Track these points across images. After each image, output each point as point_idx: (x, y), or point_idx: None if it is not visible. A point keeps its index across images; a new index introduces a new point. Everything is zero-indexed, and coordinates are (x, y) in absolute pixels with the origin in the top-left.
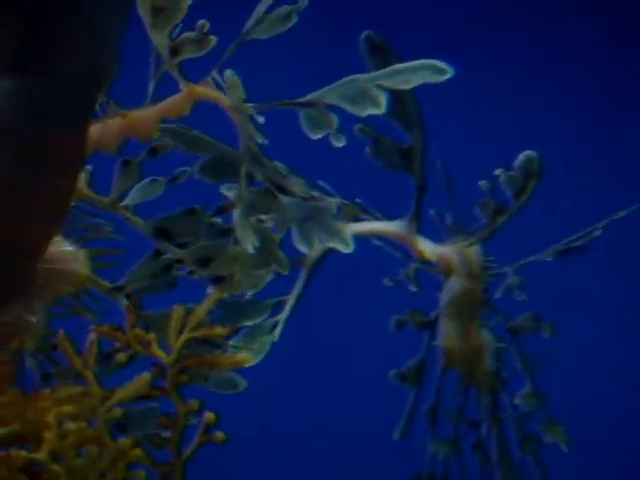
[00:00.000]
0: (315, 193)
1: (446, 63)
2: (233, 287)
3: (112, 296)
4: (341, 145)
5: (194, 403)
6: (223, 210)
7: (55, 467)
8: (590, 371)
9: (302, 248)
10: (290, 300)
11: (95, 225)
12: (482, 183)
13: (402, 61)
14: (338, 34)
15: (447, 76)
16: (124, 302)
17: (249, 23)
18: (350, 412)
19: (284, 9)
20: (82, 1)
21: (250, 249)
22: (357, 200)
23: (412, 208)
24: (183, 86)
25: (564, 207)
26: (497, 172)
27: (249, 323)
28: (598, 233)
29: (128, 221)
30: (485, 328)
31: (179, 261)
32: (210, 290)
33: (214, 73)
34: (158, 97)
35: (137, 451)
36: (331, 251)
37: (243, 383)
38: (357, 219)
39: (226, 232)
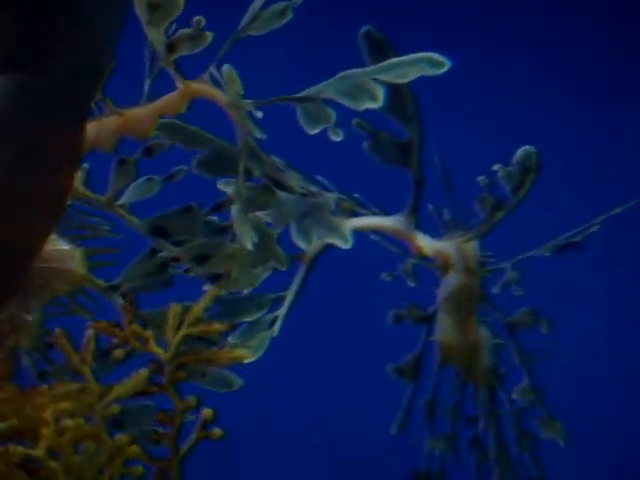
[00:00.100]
0: (313, 188)
1: (443, 56)
2: (230, 284)
3: (108, 295)
4: (339, 139)
5: (191, 399)
6: (220, 207)
7: (52, 463)
8: (588, 366)
9: (301, 244)
10: (289, 296)
11: (91, 224)
12: (480, 178)
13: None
14: (334, 30)
15: (444, 69)
16: (120, 301)
17: (244, 20)
18: (348, 407)
19: (279, 5)
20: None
21: (249, 245)
22: (355, 195)
23: (410, 203)
24: (179, 83)
25: (562, 203)
26: (495, 167)
27: (248, 319)
28: (596, 228)
29: (124, 220)
30: (483, 324)
31: (175, 259)
32: (207, 287)
33: (211, 70)
34: (154, 95)
35: (134, 447)
36: (329, 246)
37: (239, 381)
38: (355, 214)
39: (223, 230)
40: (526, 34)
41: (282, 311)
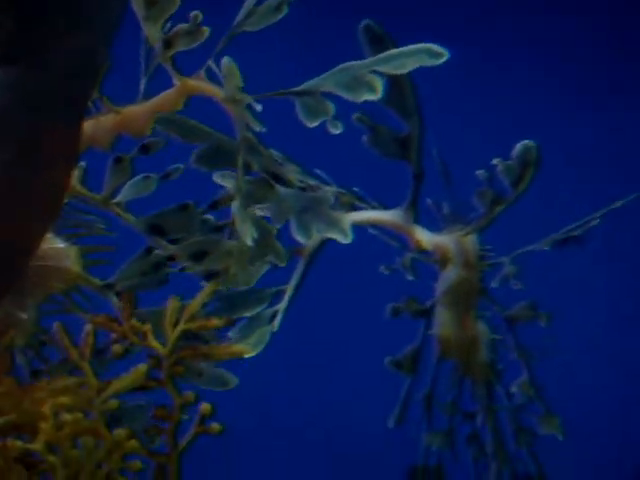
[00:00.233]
0: (311, 181)
1: (441, 46)
2: (227, 281)
3: (103, 293)
4: (338, 132)
5: (190, 394)
6: (218, 204)
7: (51, 458)
8: (587, 361)
9: (301, 239)
10: (288, 290)
11: (87, 222)
12: (480, 172)
13: None
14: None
15: (443, 59)
16: (115, 299)
17: (240, 16)
18: (347, 401)
19: (275, 0)
20: None
21: (249, 241)
22: (354, 189)
23: (409, 197)
24: (176, 80)
25: (562, 203)
26: (495, 161)
27: (247, 314)
28: (596, 223)
29: (120, 218)
30: (481, 319)
31: (170, 258)
32: (205, 284)
33: (207, 65)
34: (151, 93)
35: (133, 442)
36: (328, 241)
37: (234, 380)
38: (353, 208)
39: (220, 228)
40: (526, 34)
41: (282, 306)
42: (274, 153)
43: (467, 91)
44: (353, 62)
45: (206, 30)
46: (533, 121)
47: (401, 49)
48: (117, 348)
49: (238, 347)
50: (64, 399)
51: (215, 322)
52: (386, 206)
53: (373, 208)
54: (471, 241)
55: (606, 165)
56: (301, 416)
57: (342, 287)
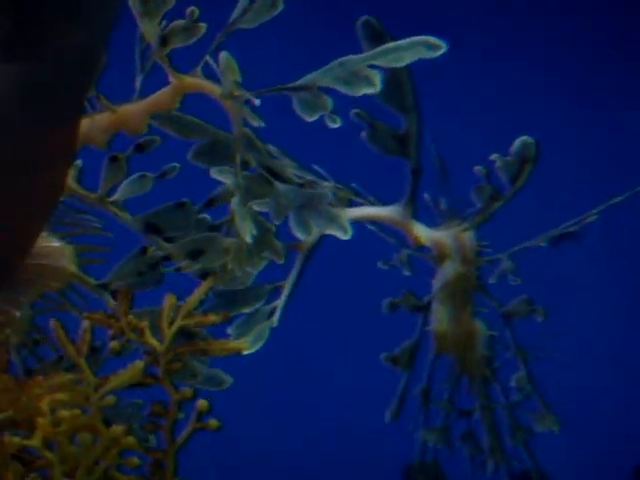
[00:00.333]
0: (309, 176)
1: (438, 34)
2: (224, 280)
3: (98, 293)
4: (336, 126)
5: (188, 391)
6: (214, 201)
7: (48, 454)
8: (585, 359)
9: (300, 235)
10: (286, 286)
11: (83, 221)
12: (478, 168)
13: None
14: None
15: (440, 51)
16: (109, 299)
17: (235, 13)
18: (345, 398)
19: None
20: None
21: (248, 239)
22: (352, 184)
23: (407, 193)
24: (172, 78)
25: (562, 202)
26: (493, 157)
27: (246, 311)
28: (592, 219)
29: (117, 217)
30: (478, 316)
31: (166, 258)
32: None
33: (203, 63)
34: (147, 91)
35: (130, 438)
36: (326, 236)
37: (229, 380)
38: (351, 203)
39: (216, 227)
40: (526, 34)
41: (280, 301)
42: (271, 148)
43: (467, 91)
44: (350, 56)
45: (203, 26)
46: (533, 121)
47: (398, 42)
48: (115, 345)
49: (236, 343)
50: (61, 395)
51: (212, 318)
52: (384, 202)
53: (371, 204)
54: (469, 237)
55: (606, 165)
56: (299, 412)
57: (339, 283)
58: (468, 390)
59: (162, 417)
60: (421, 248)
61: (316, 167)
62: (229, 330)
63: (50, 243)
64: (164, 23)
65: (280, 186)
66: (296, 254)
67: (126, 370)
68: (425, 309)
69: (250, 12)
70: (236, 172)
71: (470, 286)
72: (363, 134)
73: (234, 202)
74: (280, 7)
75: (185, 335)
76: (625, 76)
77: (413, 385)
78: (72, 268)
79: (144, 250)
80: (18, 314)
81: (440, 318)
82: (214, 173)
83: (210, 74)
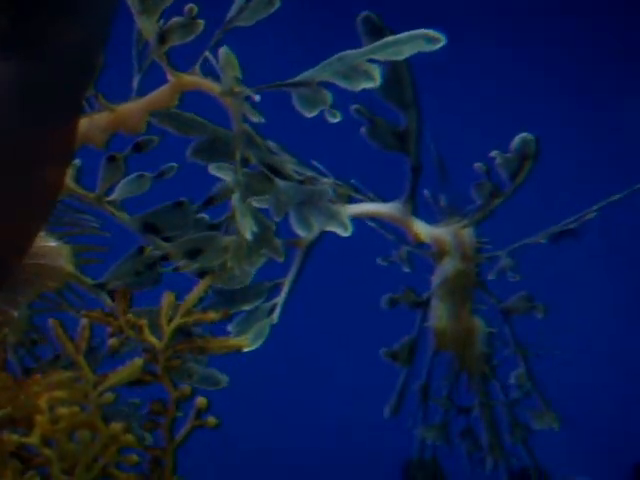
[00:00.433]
0: (308, 172)
1: (438, 31)
2: (222, 278)
3: (95, 293)
4: (336, 121)
5: (187, 388)
6: (213, 200)
7: (47, 451)
8: (584, 356)
9: (300, 232)
10: (286, 283)
11: (80, 221)
12: (478, 165)
13: None
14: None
15: (440, 45)
16: (106, 299)
17: (232, 11)
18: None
19: None
20: None
21: (248, 236)
22: (351, 181)
23: (407, 189)
24: (171, 76)
25: (561, 202)
26: (493, 154)
27: (246, 308)
28: (592, 216)
29: (114, 217)
30: (477, 313)
31: (163, 258)
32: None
33: (201, 60)
34: (145, 90)
35: (129, 436)
36: (325, 232)
37: (225, 379)
38: (351, 200)
39: (214, 226)
40: (526, 34)
41: (280, 298)
42: (270, 144)
43: (467, 91)
44: (349, 51)
45: (201, 23)
46: (533, 121)
47: (397, 36)
48: (114, 342)
49: (234, 341)
50: (60, 393)
51: (211, 316)
52: (384, 198)
53: (370, 200)
54: (468, 234)
55: (606, 165)
56: (299, 409)
57: (339, 279)
58: (467, 387)
59: (161, 415)
60: (421, 245)
61: (315, 163)
62: (229, 327)
63: (47, 243)
64: (162, 21)
65: (280, 183)
66: (295, 251)
67: (125, 367)
68: (424, 305)
69: (247, 10)
70: (236, 169)
71: (469, 283)
72: (363, 130)
73: (235, 199)
74: (277, 5)
75: (184, 334)
76: (625, 76)
77: (412, 381)
78: (69, 268)
79: (141, 250)
80: (16, 314)
81: (439, 315)
82: (213, 169)
83: (208, 72)
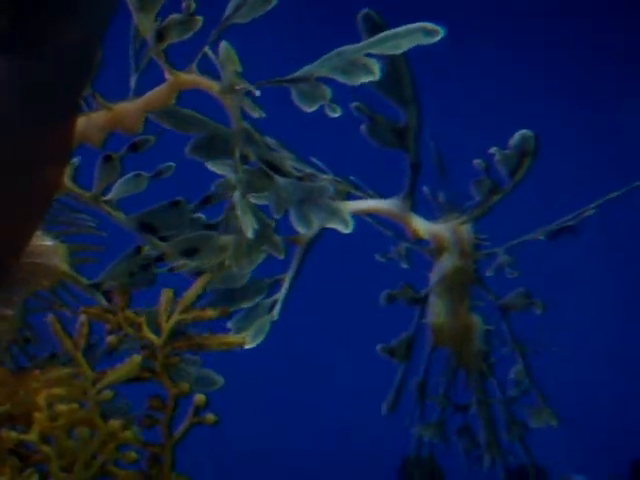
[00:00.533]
0: (308, 169)
1: (436, 24)
2: (221, 279)
3: (89, 292)
4: (336, 115)
5: (185, 385)
6: (209, 200)
7: (45, 448)
8: (583, 353)
9: (301, 230)
10: (286, 280)
11: (77, 220)
12: (477, 162)
13: None
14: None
15: (438, 37)
16: (101, 299)
17: (229, 9)
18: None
19: None
20: None
21: (250, 234)
22: (350, 177)
23: (406, 186)
24: (169, 74)
25: (560, 196)
26: (492, 151)
27: (246, 305)
28: (590, 213)
29: (111, 216)
30: (475, 309)
31: (159, 258)
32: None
33: (198, 59)
34: (142, 89)
35: (127, 433)
36: (325, 229)
37: (220, 380)
38: (349, 196)
39: (210, 226)
40: (527, 35)
41: (281, 295)
42: (269, 140)
43: (467, 92)
44: (348, 46)
45: (199, 19)
46: (533, 122)
47: (395, 30)
48: (112, 339)
49: (233, 338)
50: (58, 390)
51: (210, 313)
52: (383, 195)
53: (370, 197)
54: (467, 230)
55: (605, 166)
56: (297, 408)
57: (338, 275)
58: (465, 384)
59: (160, 411)
60: (419, 241)
61: (314, 160)
62: (229, 324)
63: (43, 242)
64: (159, 20)
65: (280, 180)
66: (295, 247)
67: (124, 364)
68: (422, 302)
69: (244, 7)
70: (236, 166)
71: (468, 279)
72: (362, 127)
73: (236, 196)
74: (273, 2)
75: (182, 333)
76: (624, 78)
77: (410, 378)
78: (64, 267)
79: (138, 250)
80: (10, 312)
81: (437, 311)
82: (213, 167)
83: (205, 70)
